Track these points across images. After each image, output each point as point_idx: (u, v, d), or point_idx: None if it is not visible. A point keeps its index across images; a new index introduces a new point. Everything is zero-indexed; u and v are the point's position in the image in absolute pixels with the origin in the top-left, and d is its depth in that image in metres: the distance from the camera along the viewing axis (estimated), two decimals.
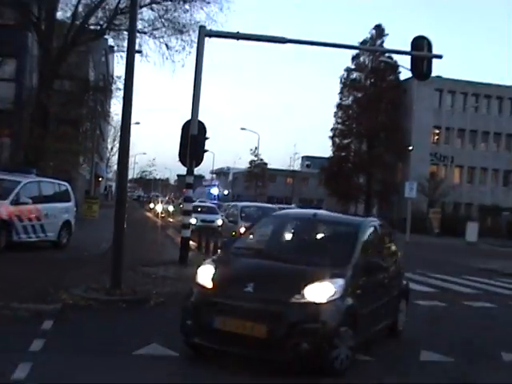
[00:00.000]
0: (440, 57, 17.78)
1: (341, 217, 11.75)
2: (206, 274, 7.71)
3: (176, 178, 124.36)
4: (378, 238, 9.57)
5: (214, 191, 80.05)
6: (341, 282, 7.40)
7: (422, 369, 7.95)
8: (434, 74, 19.35)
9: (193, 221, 23.50)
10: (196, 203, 35.89)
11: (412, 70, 18.19)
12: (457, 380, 7.43)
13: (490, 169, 65.77)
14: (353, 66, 64.92)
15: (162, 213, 54.20)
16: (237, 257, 8.62)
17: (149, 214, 58.99)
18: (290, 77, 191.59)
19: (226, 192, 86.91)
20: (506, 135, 66.09)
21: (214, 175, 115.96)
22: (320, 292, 7.15)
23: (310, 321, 7.03)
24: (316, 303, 7.09)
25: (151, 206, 67.56)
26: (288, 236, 9.81)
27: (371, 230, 9.26)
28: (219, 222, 31.90)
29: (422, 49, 17.57)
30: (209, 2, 28.51)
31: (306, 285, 7.18)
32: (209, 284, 7.57)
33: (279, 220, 10.31)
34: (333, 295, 7.17)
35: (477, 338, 9.91)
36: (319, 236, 9.72)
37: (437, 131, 64.91)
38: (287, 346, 6.86)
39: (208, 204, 42.36)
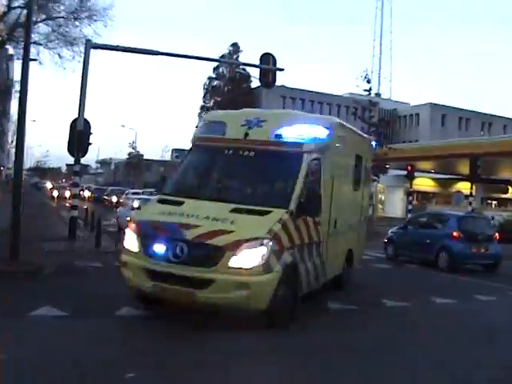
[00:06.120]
0: (282, 69, 18.42)
1: None
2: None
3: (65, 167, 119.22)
4: None
5: None
6: None
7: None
8: (278, 83, 19.96)
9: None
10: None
11: (260, 79, 18.74)
12: None
13: None
14: (214, 76, 65.33)
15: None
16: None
17: (46, 200, 50.69)
18: (163, 82, 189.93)
19: None
20: None
21: (99, 164, 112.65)
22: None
23: None
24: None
25: (55, 193, 56.32)
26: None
27: None
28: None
29: (268, 63, 18.15)
30: (95, 20, 29.10)
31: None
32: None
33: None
34: None
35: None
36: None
37: None
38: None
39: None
